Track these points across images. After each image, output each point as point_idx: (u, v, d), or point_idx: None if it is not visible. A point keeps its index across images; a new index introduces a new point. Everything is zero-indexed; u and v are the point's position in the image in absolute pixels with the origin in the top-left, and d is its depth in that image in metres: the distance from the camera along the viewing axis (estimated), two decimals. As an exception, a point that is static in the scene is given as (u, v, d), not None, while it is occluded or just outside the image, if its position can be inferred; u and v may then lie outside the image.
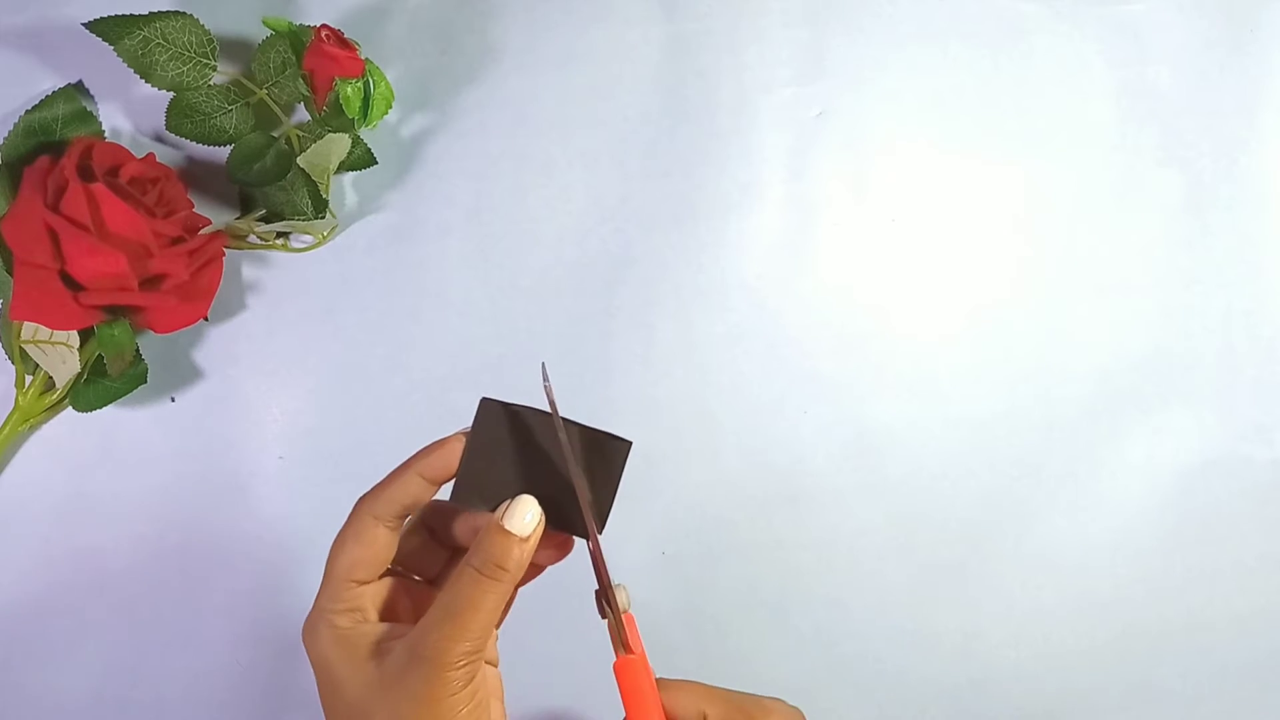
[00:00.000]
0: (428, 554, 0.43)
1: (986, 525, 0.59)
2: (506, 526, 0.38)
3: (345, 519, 0.41)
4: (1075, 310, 0.61)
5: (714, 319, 0.60)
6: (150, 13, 0.56)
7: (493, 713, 0.40)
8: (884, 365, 0.60)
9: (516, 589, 0.39)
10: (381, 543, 0.40)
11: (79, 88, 0.58)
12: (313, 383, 0.59)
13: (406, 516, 0.41)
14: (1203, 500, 0.60)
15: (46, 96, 0.56)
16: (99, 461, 0.57)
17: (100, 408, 0.56)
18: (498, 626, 0.41)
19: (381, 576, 0.41)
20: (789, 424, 0.59)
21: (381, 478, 0.41)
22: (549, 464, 0.40)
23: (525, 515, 0.39)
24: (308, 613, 0.40)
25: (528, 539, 0.38)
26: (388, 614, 0.41)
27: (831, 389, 0.60)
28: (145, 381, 0.56)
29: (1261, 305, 0.61)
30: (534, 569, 0.41)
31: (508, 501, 0.39)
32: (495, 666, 0.43)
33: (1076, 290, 0.61)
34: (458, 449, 0.40)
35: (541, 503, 0.39)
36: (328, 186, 0.57)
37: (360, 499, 0.41)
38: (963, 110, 0.62)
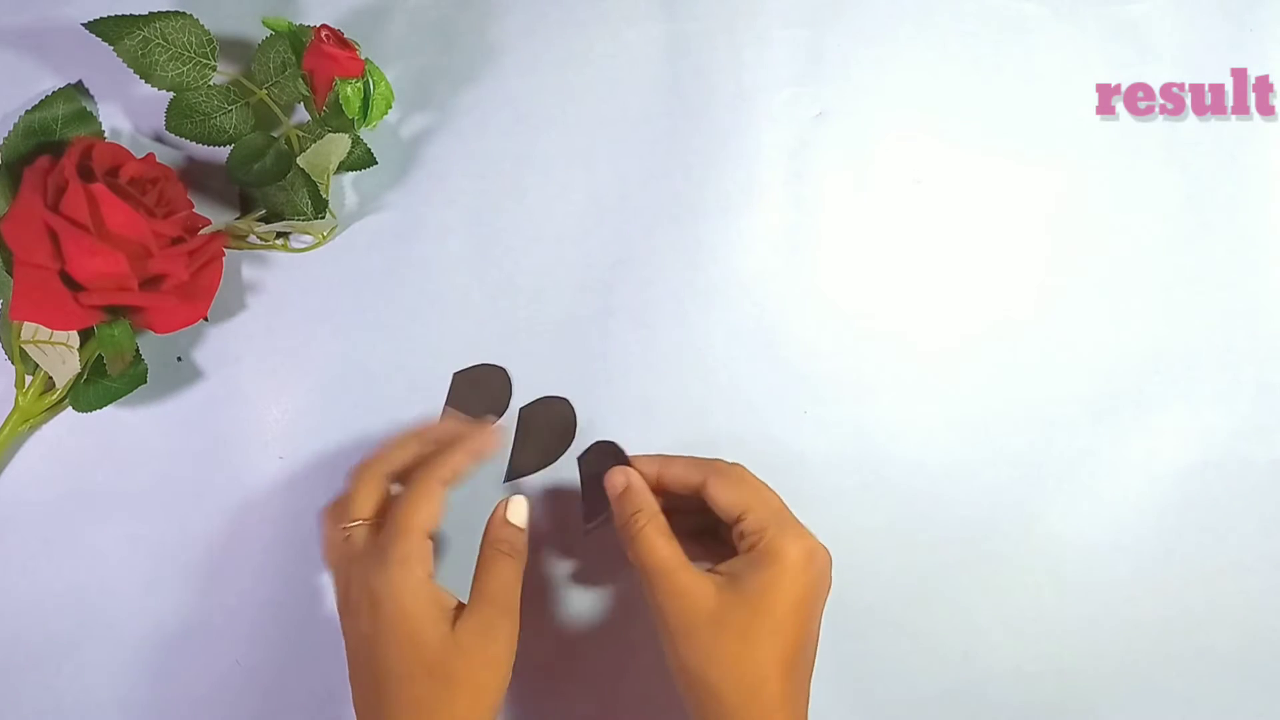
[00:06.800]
0: None
1: (986, 525, 0.59)
2: (509, 518, 0.49)
3: (407, 487, 0.49)
4: (1075, 310, 0.61)
5: (714, 319, 0.60)
6: (150, 13, 0.56)
7: None
8: (884, 365, 0.60)
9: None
10: (441, 503, 0.48)
11: (79, 88, 0.58)
12: (313, 383, 0.59)
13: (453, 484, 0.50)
14: (1203, 500, 0.60)
15: (46, 96, 0.56)
16: (99, 461, 0.57)
17: (100, 408, 0.56)
18: None
19: None
20: (789, 424, 0.59)
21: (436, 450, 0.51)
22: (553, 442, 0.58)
23: (520, 510, 0.50)
24: (383, 563, 0.46)
25: (523, 528, 0.50)
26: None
27: (831, 389, 0.60)
28: (145, 381, 0.56)
29: (1261, 305, 0.61)
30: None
31: (506, 499, 0.50)
32: None
33: (1076, 290, 0.61)
34: (498, 436, 0.54)
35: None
36: (328, 186, 0.57)
37: (424, 467, 0.49)
38: (962, 110, 0.62)
